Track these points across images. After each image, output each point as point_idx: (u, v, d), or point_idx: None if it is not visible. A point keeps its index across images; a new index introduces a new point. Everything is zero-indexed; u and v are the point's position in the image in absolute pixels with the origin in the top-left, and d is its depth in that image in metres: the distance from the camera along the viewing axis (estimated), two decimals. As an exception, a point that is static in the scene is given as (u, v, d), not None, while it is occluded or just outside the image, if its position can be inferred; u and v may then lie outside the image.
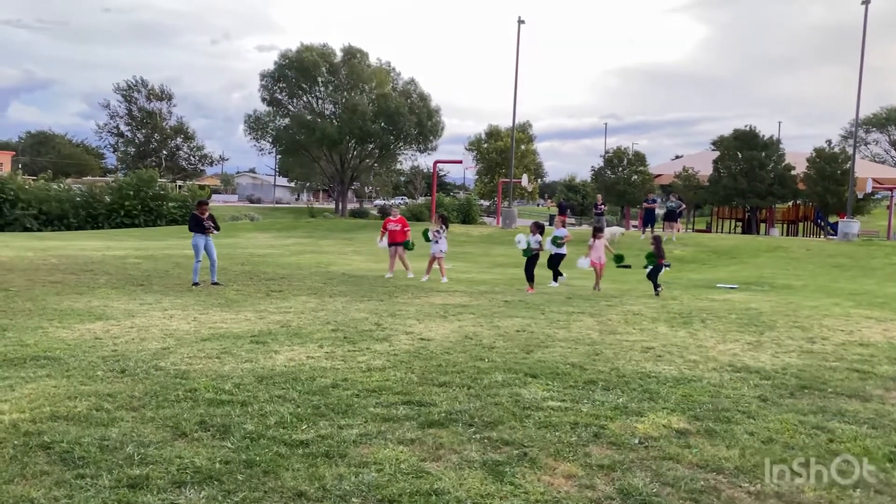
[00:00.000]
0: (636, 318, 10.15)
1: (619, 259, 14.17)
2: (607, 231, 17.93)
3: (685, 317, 10.29)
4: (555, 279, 14.72)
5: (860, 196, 38.57)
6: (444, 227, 15.84)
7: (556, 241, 14.42)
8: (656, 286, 13.01)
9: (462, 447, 4.52)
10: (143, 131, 65.79)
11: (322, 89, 47.85)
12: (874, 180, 38.89)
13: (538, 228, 14.30)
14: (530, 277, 13.80)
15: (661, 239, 14.16)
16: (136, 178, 42.73)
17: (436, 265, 15.48)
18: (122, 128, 65.57)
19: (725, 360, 7.37)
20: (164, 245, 24.32)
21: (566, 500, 3.77)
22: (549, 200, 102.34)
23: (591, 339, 8.38)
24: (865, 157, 69.46)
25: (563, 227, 15.10)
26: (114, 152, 69.34)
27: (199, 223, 13.36)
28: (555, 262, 14.73)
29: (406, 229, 16.17)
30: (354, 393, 5.70)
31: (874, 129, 79.54)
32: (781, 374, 6.80)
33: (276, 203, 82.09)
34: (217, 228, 13.80)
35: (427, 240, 15.80)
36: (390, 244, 16.07)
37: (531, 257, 13.89)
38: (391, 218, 16.48)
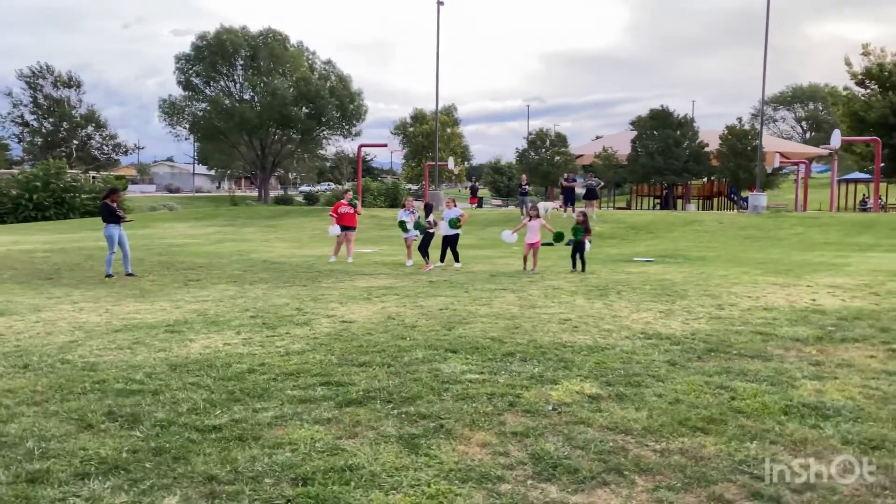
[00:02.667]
0: (556, 292, 10.38)
1: (559, 237, 14.17)
2: (541, 207, 17.95)
3: (602, 289, 10.58)
4: (455, 260, 14.58)
5: (769, 171, 40.44)
6: (412, 212, 15.18)
7: (453, 223, 14.47)
8: (584, 263, 13.24)
9: (379, 423, 4.53)
10: (51, 120, 62.35)
11: (241, 73, 46.55)
12: (781, 155, 40.82)
13: (428, 209, 14.68)
14: (425, 254, 14.20)
15: (588, 216, 14.44)
16: (44, 169, 40.66)
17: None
18: (28, 117, 61.96)
19: (638, 328, 7.62)
20: (77, 237, 23.30)
21: (480, 468, 3.83)
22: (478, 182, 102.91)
23: (512, 313, 8.52)
24: (774, 133, 72.74)
25: (455, 206, 15.11)
26: (19, 143, 65.58)
27: (113, 213, 12.86)
28: (451, 242, 14.66)
29: (358, 212, 16.22)
30: (271, 377, 5.63)
31: (781, 106, 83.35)
32: (690, 339, 7.09)
33: (196, 192, 79.69)
34: (124, 218, 13.29)
35: (422, 230, 14.82)
36: (342, 228, 15.87)
37: (425, 236, 14.36)
38: (343, 201, 16.25)
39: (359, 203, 16.47)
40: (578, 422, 4.57)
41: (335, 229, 15.97)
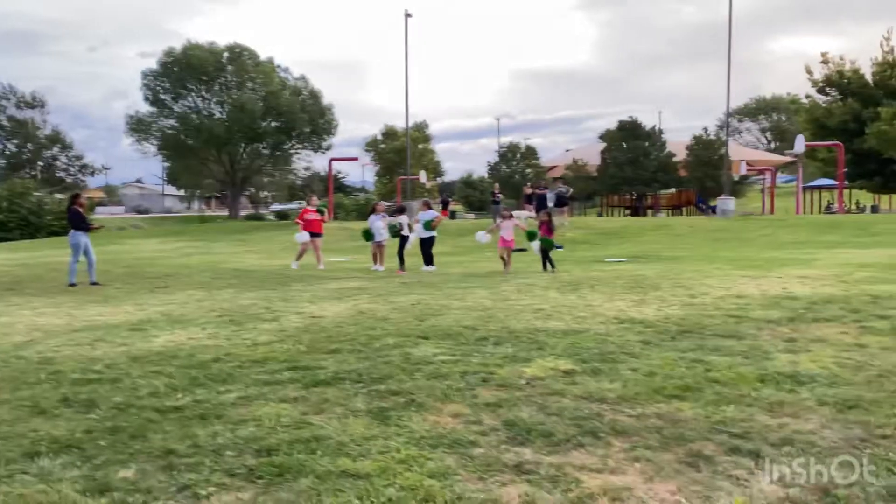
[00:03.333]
0: (529, 287, 10.30)
1: (532, 236, 14.20)
2: (516, 213, 17.98)
3: (575, 285, 10.52)
4: (427, 263, 14.45)
5: (736, 178, 41.04)
6: (383, 216, 15.29)
7: (427, 225, 14.39)
8: (551, 263, 13.20)
9: (348, 401, 4.38)
10: (15, 141, 61.26)
11: (208, 88, 46.02)
12: (747, 163, 41.47)
13: (400, 211, 14.63)
14: (401, 259, 14.12)
15: (552, 215, 14.45)
16: (9, 189, 39.86)
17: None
18: (-10, 139, 60.79)
19: (612, 314, 7.55)
20: (41, 254, 22.73)
21: (452, 435, 3.70)
22: (450, 197, 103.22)
23: (485, 306, 8.41)
24: (740, 143, 73.92)
25: (430, 209, 15.10)
26: (-18, 165, 64.17)
27: (82, 219, 12.54)
28: (426, 245, 14.53)
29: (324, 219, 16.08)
30: (237, 365, 5.44)
31: (746, 118, 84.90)
32: (664, 322, 7.03)
33: (166, 213, 78.63)
34: (92, 225, 13.03)
35: (394, 235, 14.71)
36: (310, 235, 15.65)
37: (401, 239, 14.31)
38: (309, 207, 16.07)
39: (326, 210, 16.28)
40: (553, 393, 4.47)
41: (303, 236, 15.75)
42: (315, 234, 15.71)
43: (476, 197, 72.58)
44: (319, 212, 15.98)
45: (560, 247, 16.85)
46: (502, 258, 13.57)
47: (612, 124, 44.56)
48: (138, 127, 46.70)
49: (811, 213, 42.95)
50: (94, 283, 12.40)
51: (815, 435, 3.64)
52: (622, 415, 4.04)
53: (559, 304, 8.35)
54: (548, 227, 13.54)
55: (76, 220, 12.54)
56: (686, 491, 3.02)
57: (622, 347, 5.82)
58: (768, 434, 3.67)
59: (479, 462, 3.34)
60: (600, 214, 50.28)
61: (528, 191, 27.32)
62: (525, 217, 25.83)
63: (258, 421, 3.97)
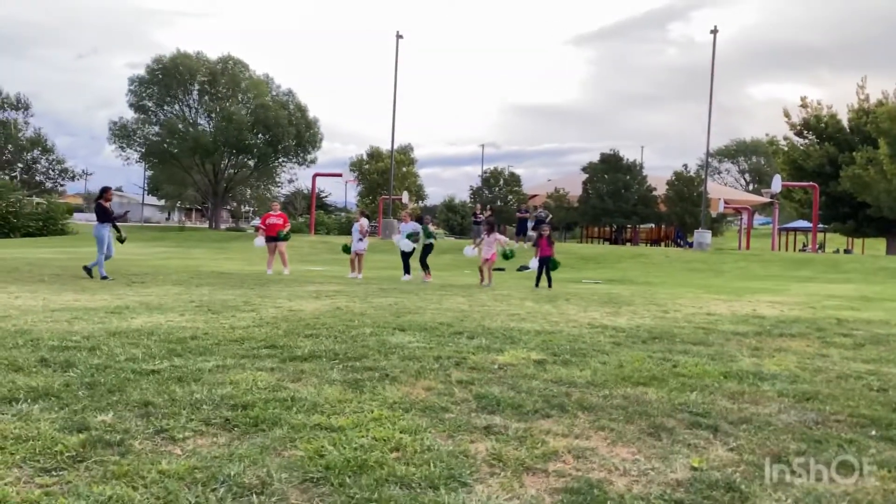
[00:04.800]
0: (506, 297, 10.45)
1: (507, 256, 14.63)
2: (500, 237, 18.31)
3: (551, 297, 10.69)
4: (405, 273, 14.74)
5: (714, 215, 41.75)
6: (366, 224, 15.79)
7: (412, 237, 14.56)
8: (549, 280, 13.40)
9: (324, 373, 4.47)
10: (-4, 142, 60.58)
11: (196, 98, 46.01)
12: (725, 201, 42.24)
13: (420, 219, 14.86)
14: (425, 266, 14.43)
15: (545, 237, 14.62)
16: (-11, 186, 39.38)
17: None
18: (-29, 138, 60.06)
19: (585, 321, 7.72)
20: (18, 252, 22.50)
21: (424, 402, 3.81)
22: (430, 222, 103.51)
23: (461, 309, 8.54)
24: (719, 183, 75.18)
25: (411, 221, 15.39)
26: (-39, 164, 63.32)
27: (106, 212, 12.60)
28: (406, 256, 14.79)
29: (287, 223, 15.99)
30: (215, 342, 5.51)
31: (726, 159, 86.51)
32: (636, 329, 7.20)
33: (145, 222, 77.93)
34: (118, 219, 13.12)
35: (429, 235, 14.96)
36: (269, 239, 15.65)
37: (424, 247, 14.57)
38: (271, 213, 16.08)
39: (288, 227, 16.15)
40: (524, 376, 4.59)
41: (260, 241, 15.81)
42: (276, 239, 15.69)
43: (457, 221, 73.10)
44: (280, 236, 15.80)
45: (527, 267, 17.24)
46: (480, 270, 13.77)
47: (594, 158, 45.17)
48: (122, 133, 46.51)
49: (786, 251, 43.78)
50: (86, 268, 12.54)
51: (772, 417, 3.80)
52: (590, 395, 4.17)
53: (534, 311, 8.50)
54: (548, 241, 13.74)
55: (100, 212, 12.64)
56: (646, 453, 3.15)
57: (593, 346, 5.96)
58: (728, 415, 3.82)
59: (449, 424, 3.45)
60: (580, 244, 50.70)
61: (518, 214, 27.83)
62: (506, 241, 26.14)
63: (235, 384, 4.05)
